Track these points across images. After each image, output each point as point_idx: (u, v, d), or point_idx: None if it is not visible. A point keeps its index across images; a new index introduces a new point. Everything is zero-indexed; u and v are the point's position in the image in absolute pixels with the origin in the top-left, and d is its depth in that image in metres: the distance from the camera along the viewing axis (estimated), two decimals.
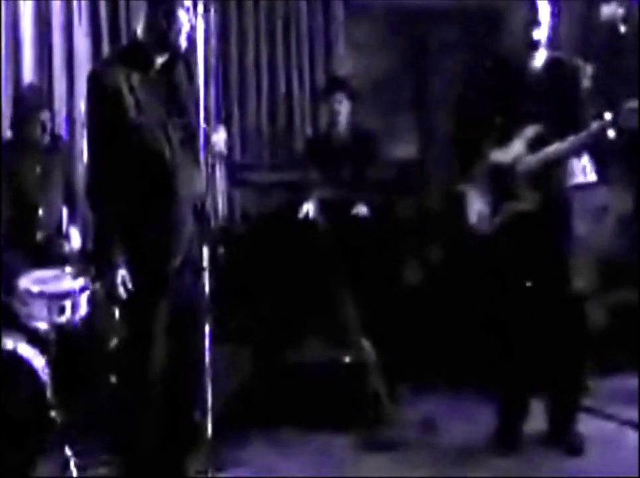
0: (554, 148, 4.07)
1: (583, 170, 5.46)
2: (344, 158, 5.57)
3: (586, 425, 4.40)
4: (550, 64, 4.17)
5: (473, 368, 4.84)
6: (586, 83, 4.21)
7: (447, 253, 5.78)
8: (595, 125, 3.93)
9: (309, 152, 5.88)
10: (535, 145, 4.11)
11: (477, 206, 4.28)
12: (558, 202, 4.19)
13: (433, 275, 5.76)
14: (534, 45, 4.12)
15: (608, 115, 3.88)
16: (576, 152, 4.25)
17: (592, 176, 5.53)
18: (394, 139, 6.24)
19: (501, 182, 4.19)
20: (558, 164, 4.18)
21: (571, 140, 4.03)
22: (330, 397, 4.73)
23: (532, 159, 4.11)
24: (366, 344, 4.78)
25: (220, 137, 3.79)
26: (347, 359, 4.87)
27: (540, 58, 4.16)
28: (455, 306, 5.41)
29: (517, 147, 4.15)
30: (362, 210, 5.40)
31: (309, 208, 5.14)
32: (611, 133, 3.86)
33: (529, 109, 4.13)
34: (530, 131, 4.12)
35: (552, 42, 4.18)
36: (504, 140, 4.19)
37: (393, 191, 5.71)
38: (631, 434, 4.37)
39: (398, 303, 5.38)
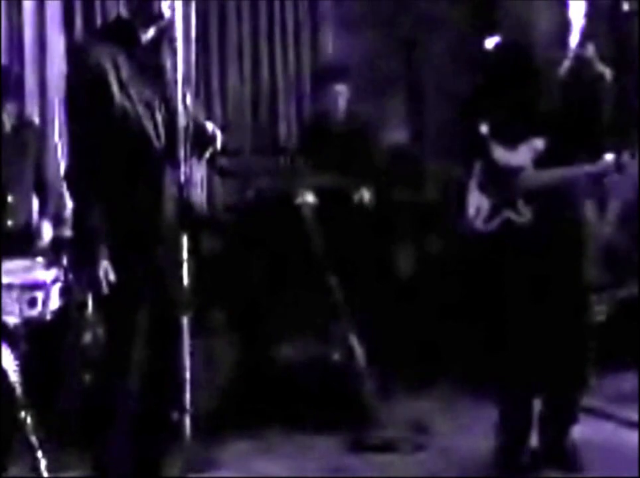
0: (558, 173, 4.07)
1: None
2: (342, 145, 5.57)
3: (586, 425, 4.43)
4: (575, 65, 4.09)
5: (467, 366, 4.86)
6: (608, 92, 4.15)
7: (443, 246, 5.79)
8: (600, 164, 3.96)
9: (304, 138, 5.88)
10: (542, 160, 4.11)
11: (476, 201, 4.28)
12: (556, 221, 4.17)
13: (426, 269, 5.77)
14: (562, 46, 4.06)
15: (610, 157, 3.93)
16: (578, 181, 4.23)
17: None
18: (385, 123, 6.25)
19: (500, 187, 4.19)
20: (559, 188, 4.16)
21: (575, 171, 4.03)
22: (317, 396, 4.75)
23: (534, 177, 4.11)
24: (354, 340, 4.79)
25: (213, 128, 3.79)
26: (335, 356, 4.89)
27: (566, 59, 4.07)
28: (449, 302, 5.42)
29: (523, 155, 4.13)
30: (365, 196, 5.44)
31: (301, 196, 5.14)
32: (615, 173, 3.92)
33: (543, 112, 4.09)
34: (540, 143, 4.08)
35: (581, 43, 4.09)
36: (510, 140, 4.19)
37: (388, 178, 5.74)
38: (632, 434, 4.40)
39: (388, 298, 5.40)
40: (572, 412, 4.27)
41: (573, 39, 4.05)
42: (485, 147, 4.21)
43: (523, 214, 4.12)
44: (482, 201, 4.24)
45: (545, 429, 4.27)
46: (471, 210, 4.26)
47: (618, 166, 3.95)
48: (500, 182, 4.17)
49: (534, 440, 4.28)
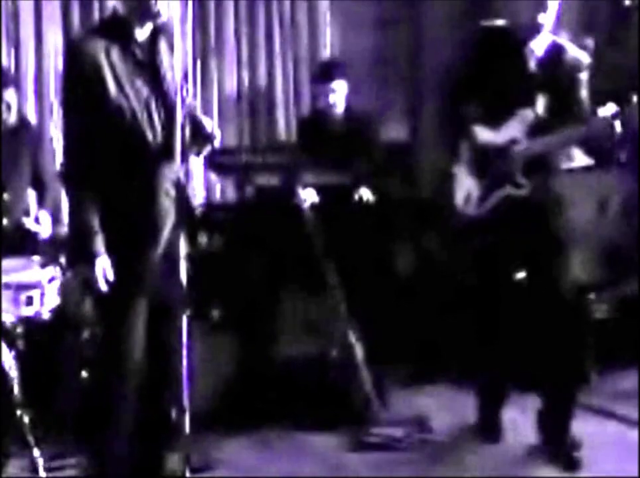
0: (555, 137, 4.09)
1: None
2: (341, 142, 5.56)
3: (587, 423, 4.44)
4: (551, 50, 4.17)
5: (467, 362, 4.85)
6: (585, 74, 4.20)
7: (436, 240, 5.78)
8: (598, 118, 3.97)
9: (303, 135, 5.88)
10: (533, 130, 4.13)
11: (464, 188, 4.31)
12: (553, 191, 4.21)
13: (422, 264, 5.76)
14: (537, 29, 4.12)
15: (612, 108, 3.93)
16: (577, 143, 4.27)
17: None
18: (384, 119, 6.24)
19: (493, 165, 4.22)
20: (556, 154, 4.21)
21: (573, 132, 4.06)
22: (315, 393, 4.74)
23: (531, 146, 4.14)
24: (353, 337, 4.78)
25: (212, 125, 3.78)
26: (334, 353, 4.88)
27: (542, 42, 4.16)
28: (449, 298, 5.42)
29: (512, 129, 4.17)
30: (367, 195, 5.44)
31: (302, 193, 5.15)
32: (617, 126, 3.90)
33: (524, 92, 4.15)
34: (530, 114, 4.14)
35: (557, 26, 4.19)
36: (494, 120, 4.21)
37: (388, 175, 5.73)
38: (633, 432, 4.39)
39: (388, 295, 5.39)
40: (570, 408, 4.28)
41: (548, 23, 4.11)
42: (471, 131, 4.25)
43: (523, 186, 4.15)
44: (471, 186, 4.27)
45: (543, 425, 4.30)
46: (460, 198, 4.30)
47: (622, 115, 3.95)
48: (493, 162, 4.20)
49: (532, 437, 4.31)
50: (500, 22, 4.26)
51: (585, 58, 4.19)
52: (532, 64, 4.16)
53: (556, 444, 4.22)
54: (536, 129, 4.12)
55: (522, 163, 4.14)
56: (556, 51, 4.18)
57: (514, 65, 4.17)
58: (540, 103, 4.12)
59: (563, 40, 4.23)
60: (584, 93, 4.15)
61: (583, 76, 4.16)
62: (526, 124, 4.14)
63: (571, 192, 5.11)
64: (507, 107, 4.17)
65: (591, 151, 4.65)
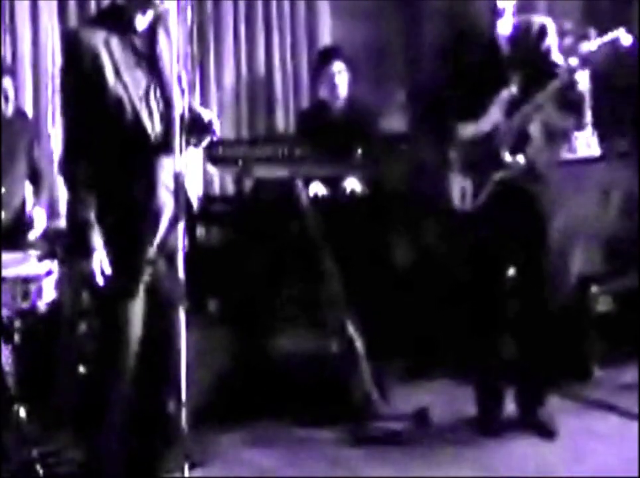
0: (528, 107, 4.14)
1: (586, 143, 5.48)
2: (342, 132, 5.54)
3: (589, 416, 4.44)
4: (517, 25, 4.26)
5: (467, 356, 4.85)
6: (553, 40, 4.26)
7: (435, 233, 5.78)
8: (564, 71, 4.06)
9: (304, 125, 5.86)
10: (511, 109, 4.17)
11: (459, 187, 4.33)
12: (542, 167, 4.25)
13: (421, 257, 5.76)
14: (498, 13, 4.19)
15: (574, 61, 4.02)
16: (552, 101, 4.31)
17: (596, 150, 5.55)
18: (384, 110, 6.23)
19: (481, 157, 4.23)
20: (545, 132, 4.27)
21: (544, 92, 4.11)
22: (315, 387, 4.74)
23: (510, 123, 4.19)
24: (353, 331, 4.78)
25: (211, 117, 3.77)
26: (333, 347, 4.88)
27: (506, 25, 4.22)
28: (445, 291, 5.42)
29: (494, 114, 4.22)
30: (355, 186, 5.42)
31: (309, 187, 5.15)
32: (582, 75, 3.95)
33: (500, 77, 4.21)
34: (505, 94, 4.19)
35: (522, 8, 4.31)
36: (476, 111, 4.24)
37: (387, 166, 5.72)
38: (634, 425, 4.39)
39: (387, 288, 5.39)
40: (545, 387, 4.40)
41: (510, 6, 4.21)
42: (455, 133, 4.28)
43: (510, 166, 4.16)
44: (465, 184, 4.30)
45: (521, 401, 4.43)
46: (456, 197, 4.32)
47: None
48: (481, 153, 4.20)
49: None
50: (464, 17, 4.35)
51: (550, 23, 4.27)
52: (504, 45, 4.23)
53: (533, 416, 4.34)
54: (514, 106, 4.17)
55: (507, 142, 4.17)
56: (521, 25, 4.26)
57: (486, 52, 4.25)
58: (515, 81, 4.17)
59: (526, 16, 4.32)
60: (558, 55, 4.22)
61: (552, 39, 4.24)
62: (504, 105, 4.19)
63: (573, 183, 5.16)
64: (486, 94, 4.22)
65: (562, 105, 4.69)
